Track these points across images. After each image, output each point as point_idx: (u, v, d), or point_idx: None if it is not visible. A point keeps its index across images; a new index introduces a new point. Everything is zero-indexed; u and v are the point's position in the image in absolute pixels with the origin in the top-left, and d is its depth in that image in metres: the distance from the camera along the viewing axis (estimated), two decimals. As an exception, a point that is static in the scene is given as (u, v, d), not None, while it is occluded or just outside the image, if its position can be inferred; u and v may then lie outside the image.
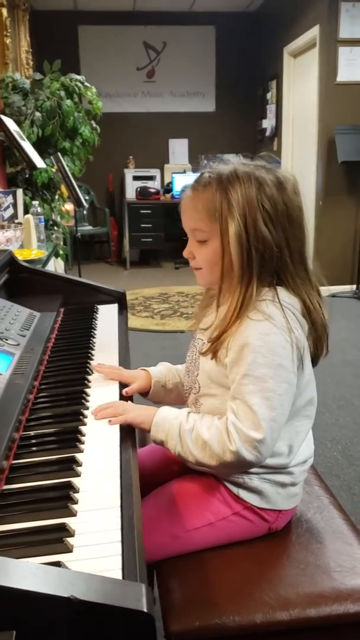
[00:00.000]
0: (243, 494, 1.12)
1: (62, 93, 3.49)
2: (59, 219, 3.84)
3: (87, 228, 6.87)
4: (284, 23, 6.07)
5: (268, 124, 6.82)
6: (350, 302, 5.01)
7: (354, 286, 5.24)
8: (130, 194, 6.82)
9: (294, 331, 1.03)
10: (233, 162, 1.10)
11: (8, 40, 3.94)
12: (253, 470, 1.09)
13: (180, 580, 1.04)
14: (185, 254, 1.16)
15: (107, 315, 1.73)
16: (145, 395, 1.30)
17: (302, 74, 5.89)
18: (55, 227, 3.64)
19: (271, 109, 6.69)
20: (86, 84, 3.68)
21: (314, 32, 5.28)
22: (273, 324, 1.02)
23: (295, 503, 1.18)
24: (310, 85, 5.52)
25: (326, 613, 0.97)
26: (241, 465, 1.04)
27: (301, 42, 5.66)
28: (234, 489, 1.12)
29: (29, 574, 0.58)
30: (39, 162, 3.08)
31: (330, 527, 1.17)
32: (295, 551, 1.10)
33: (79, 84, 3.61)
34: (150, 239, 6.72)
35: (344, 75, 5.09)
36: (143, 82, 7.13)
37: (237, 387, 1.03)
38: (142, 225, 6.67)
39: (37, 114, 3.41)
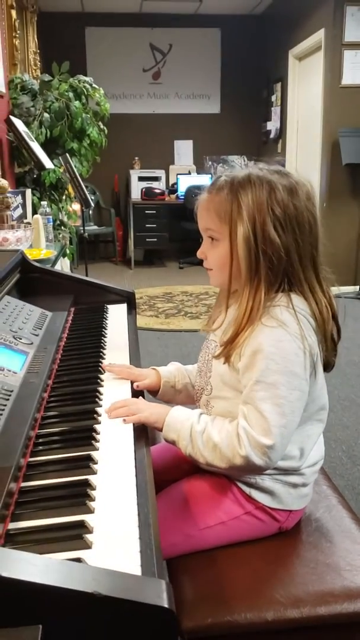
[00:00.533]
0: (255, 494, 1.13)
1: (71, 94, 3.51)
2: (65, 219, 3.86)
3: (92, 228, 6.89)
4: (289, 26, 6.08)
5: (272, 126, 6.83)
6: (353, 302, 5.02)
7: (357, 287, 5.26)
8: (136, 194, 6.85)
9: (307, 338, 1.04)
10: (250, 167, 1.11)
11: (17, 42, 3.96)
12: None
13: (192, 577, 1.06)
14: (198, 254, 1.17)
15: (116, 315, 1.75)
16: (155, 394, 1.31)
17: (307, 77, 5.90)
18: (63, 227, 3.66)
19: (276, 111, 6.71)
20: (94, 85, 3.70)
21: (319, 36, 5.30)
22: (286, 331, 1.03)
23: (305, 503, 1.19)
24: (315, 88, 5.53)
25: (337, 611, 0.99)
26: (250, 469, 1.06)
27: (306, 45, 5.67)
28: (246, 489, 1.13)
29: (53, 570, 0.59)
30: (47, 162, 3.10)
31: (339, 526, 1.18)
32: (305, 550, 1.12)
33: (87, 86, 3.63)
34: (155, 239, 6.74)
35: (348, 78, 5.11)
36: (149, 84, 7.15)
37: (249, 393, 1.04)
38: (147, 226, 6.69)
39: (46, 115, 3.43)
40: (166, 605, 0.59)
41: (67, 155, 3.47)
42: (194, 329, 4.36)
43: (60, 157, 3.46)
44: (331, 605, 0.99)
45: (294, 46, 5.98)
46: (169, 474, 1.26)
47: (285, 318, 1.04)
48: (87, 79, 3.73)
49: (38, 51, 5.17)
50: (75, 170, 3.46)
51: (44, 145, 3.38)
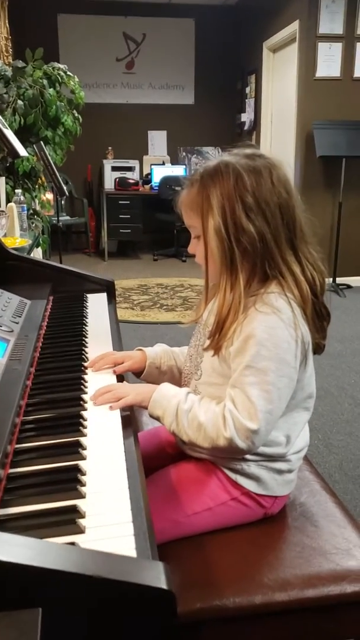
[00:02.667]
0: (241, 480, 1.13)
1: (45, 82, 3.45)
2: (39, 208, 3.80)
3: (65, 218, 6.80)
4: (263, 17, 6.08)
5: (247, 117, 6.84)
6: (328, 295, 5.07)
7: (330, 279, 5.30)
8: (109, 184, 6.79)
9: (300, 327, 1.04)
10: (221, 155, 1.11)
11: (-12, 26, 3.87)
12: (250, 457, 1.11)
13: (180, 563, 1.06)
14: (189, 249, 1.17)
15: (96, 304, 1.74)
16: (139, 375, 1.30)
17: (281, 69, 5.91)
18: (36, 217, 3.60)
19: (250, 103, 6.72)
20: (69, 73, 3.65)
21: (293, 27, 5.31)
22: (280, 318, 1.03)
23: (290, 489, 1.20)
24: (289, 80, 5.55)
25: (324, 594, 1.00)
26: (233, 451, 1.06)
27: (280, 37, 5.68)
28: (232, 475, 1.14)
29: (51, 554, 0.58)
30: (21, 150, 3.04)
31: (324, 511, 1.19)
32: (292, 534, 1.12)
33: (62, 73, 3.58)
34: (129, 230, 6.69)
35: (322, 71, 5.13)
36: (122, 73, 7.08)
37: (238, 377, 1.04)
38: (121, 216, 6.63)
39: (19, 102, 3.37)
40: (165, 587, 0.59)
41: (42, 143, 3.42)
42: (169, 321, 4.35)
43: (34, 145, 3.41)
44: (318, 587, 1.01)
45: (268, 38, 5.98)
46: (154, 460, 1.26)
47: (280, 305, 1.03)
48: (61, 66, 3.68)
49: (9, 37, 5.06)
50: (50, 158, 3.41)
51: (17, 133, 3.31)
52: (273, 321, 1.03)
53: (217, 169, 1.06)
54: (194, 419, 1.05)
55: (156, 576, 0.60)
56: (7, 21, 5.00)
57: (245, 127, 6.87)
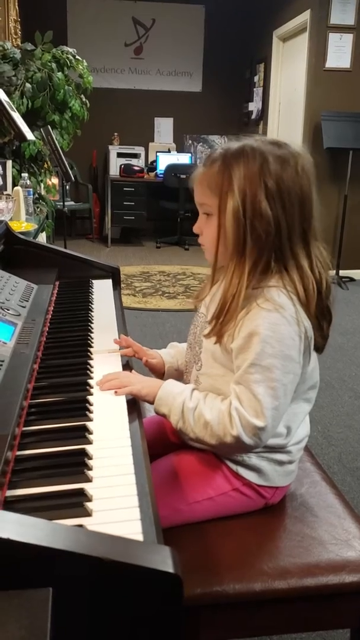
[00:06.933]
0: (242, 471, 1.14)
1: (54, 65, 3.43)
2: (44, 193, 3.79)
3: (69, 203, 6.79)
4: (274, 6, 6.03)
5: (254, 107, 6.80)
6: (332, 297, 5.07)
7: (334, 272, 5.31)
8: (114, 170, 6.76)
9: (303, 322, 1.04)
10: (245, 139, 1.08)
11: (-3, 8, 3.85)
12: None
13: (181, 549, 1.06)
14: (194, 229, 1.16)
15: (102, 290, 1.74)
16: (160, 376, 1.31)
17: (291, 58, 5.88)
18: (41, 201, 3.59)
19: (258, 92, 6.68)
20: (77, 57, 3.63)
21: (304, 17, 5.27)
22: (283, 315, 1.02)
23: (291, 480, 1.21)
24: (299, 70, 5.51)
25: (322, 583, 1.01)
26: (240, 448, 1.07)
27: (291, 26, 5.64)
28: (233, 466, 1.14)
29: (62, 535, 0.59)
30: (28, 134, 3.03)
31: (324, 501, 1.21)
32: (292, 524, 1.14)
33: (70, 57, 3.55)
34: (133, 217, 6.68)
35: (332, 61, 5.10)
36: (130, 59, 7.04)
37: (243, 375, 1.04)
38: (125, 203, 6.62)
39: (28, 85, 3.35)
40: (172, 571, 0.60)
41: (49, 127, 3.40)
42: (171, 308, 4.36)
43: (41, 129, 3.39)
44: (317, 577, 1.02)
45: (279, 27, 5.94)
46: (156, 447, 1.26)
47: (283, 301, 1.03)
48: (70, 50, 3.65)
49: (18, 19, 5.02)
50: (56, 143, 3.40)
51: (24, 117, 3.30)
52: (276, 318, 1.02)
53: (242, 151, 1.04)
54: (200, 417, 1.06)
55: (163, 560, 0.61)
56: (16, 3, 4.95)
57: (253, 116, 6.84)
